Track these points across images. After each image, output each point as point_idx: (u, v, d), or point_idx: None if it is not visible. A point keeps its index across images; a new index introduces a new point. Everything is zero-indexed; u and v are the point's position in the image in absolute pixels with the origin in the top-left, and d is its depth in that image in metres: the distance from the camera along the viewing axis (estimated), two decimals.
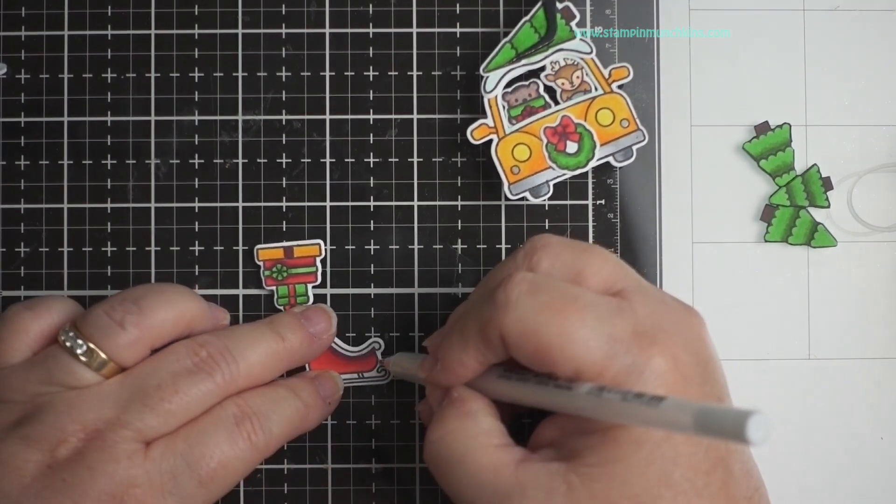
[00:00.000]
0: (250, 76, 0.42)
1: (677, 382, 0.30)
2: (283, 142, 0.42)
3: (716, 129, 0.42)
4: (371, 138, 0.42)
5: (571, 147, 0.40)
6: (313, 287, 0.41)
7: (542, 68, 0.41)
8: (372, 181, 0.42)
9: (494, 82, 0.41)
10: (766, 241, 0.42)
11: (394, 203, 0.42)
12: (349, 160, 0.42)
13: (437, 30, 0.42)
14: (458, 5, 0.42)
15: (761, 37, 0.42)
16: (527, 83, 0.41)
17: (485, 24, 0.42)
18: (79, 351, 0.35)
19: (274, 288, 0.41)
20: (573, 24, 0.41)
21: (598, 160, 0.40)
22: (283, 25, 0.42)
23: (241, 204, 0.42)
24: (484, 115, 0.41)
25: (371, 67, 0.42)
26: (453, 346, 0.34)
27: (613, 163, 0.41)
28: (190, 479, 0.34)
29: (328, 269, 0.41)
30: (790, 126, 0.42)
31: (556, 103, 0.41)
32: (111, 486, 0.33)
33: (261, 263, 0.41)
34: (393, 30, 0.42)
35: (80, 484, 0.33)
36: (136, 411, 0.34)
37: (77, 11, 0.42)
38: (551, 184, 0.41)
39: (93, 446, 0.34)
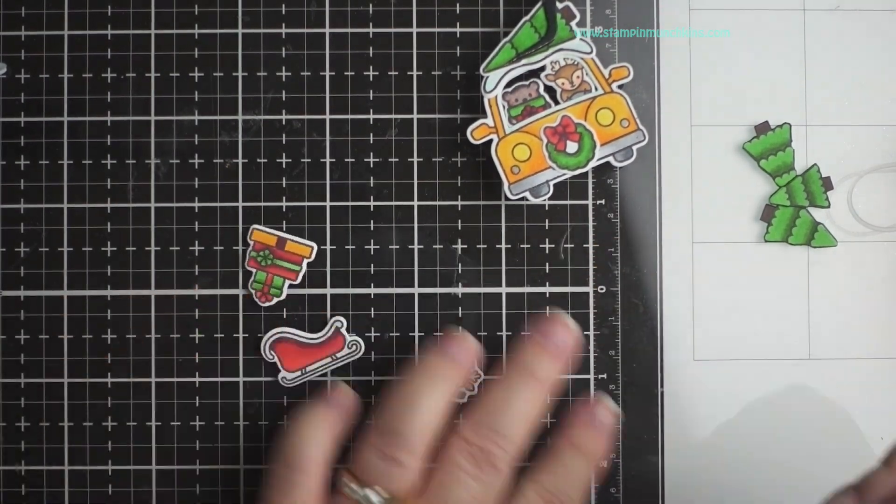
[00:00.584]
0: (250, 76, 0.42)
1: None
2: (283, 142, 0.42)
3: (716, 129, 0.42)
4: (371, 138, 0.42)
5: (572, 147, 0.40)
6: (290, 286, 0.41)
7: (543, 68, 0.41)
8: (372, 181, 0.42)
9: (494, 82, 0.41)
10: (766, 241, 0.42)
11: (394, 203, 0.42)
12: (349, 160, 0.42)
13: (437, 30, 0.42)
14: (458, 5, 0.42)
15: (761, 37, 0.42)
16: (527, 83, 0.41)
17: (485, 24, 0.42)
18: (354, 494, 0.36)
19: (253, 270, 0.41)
20: (573, 23, 0.41)
21: (598, 160, 0.40)
22: (283, 25, 0.42)
23: (241, 204, 0.42)
24: (484, 114, 0.41)
25: (371, 67, 0.42)
26: None
27: (614, 162, 0.41)
28: None
29: (328, 269, 0.41)
30: (790, 126, 0.42)
31: (557, 103, 0.41)
32: None
33: (251, 243, 0.41)
34: (393, 29, 0.42)
35: None
36: None
37: (77, 11, 0.42)
38: (551, 184, 0.41)
39: None
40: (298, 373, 0.41)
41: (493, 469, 0.36)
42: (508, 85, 0.41)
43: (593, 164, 0.40)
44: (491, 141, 0.41)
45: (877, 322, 0.42)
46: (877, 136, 0.42)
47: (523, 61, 0.41)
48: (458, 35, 0.42)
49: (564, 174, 0.40)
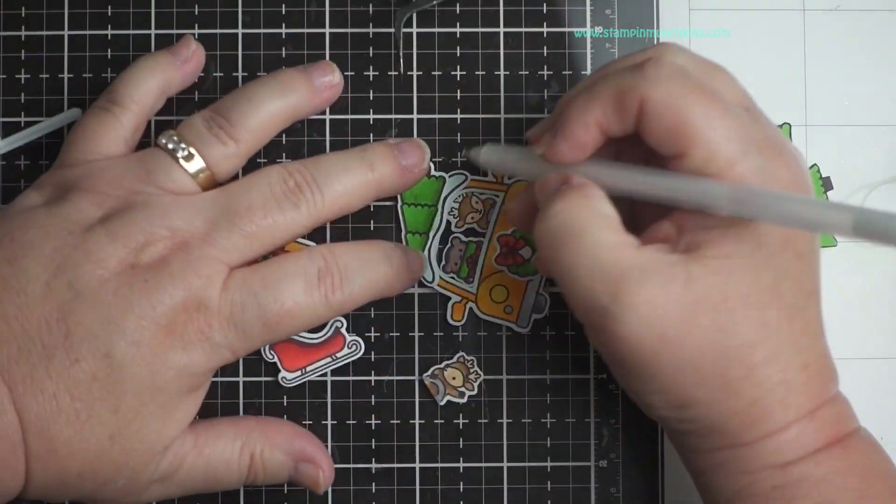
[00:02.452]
0: (250, 76, 0.42)
1: None
2: (283, 142, 0.42)
3: None
4: (371, 138, 0.42)
5: (526, 252, 0.41)
6: None
7: (449, 224, 0.41)
8: None
9: (430, 274, 0.41)
10: None
11: (394, 203, 0.42)
12: None
13: (437, 30, 0.42)
14: (458, 5, 0.42)
15: (761, 37, 0.42)
16: (450, 244, 0.41)
17: (485, 24, 0.42)
18: (180, 154, 0.36)
19: None
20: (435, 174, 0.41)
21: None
22: (283, 25, 0.42)
23: None
24: (451, 296, 0.41)
25: (371, 67, 0.42)
26: (578, 107, 0.33)
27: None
28: (256, 317, 0.35)
29: None
30: (790, 126, 0.42)
31: (481, 235, 0.41)
32: (188, 298, 0.34)
33: None
34: (393, 30, 0.42)
35: (161, 288, 0.33)
36: (224, 230, 0.35)
37: (77, 11, 0.42)
38: (545, 294, 0.41)
39: (178, 256, 0.34)
40: (298, 373, 0.41)
41: (294, 206, 0.36)
42: (439, 260, 0.41)
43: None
44: (471, 309, 0.41)
45: (877, 322, 0.42)
46: (877, 136, 0.42)
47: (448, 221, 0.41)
48: (458, 35, 0.42)
49: (541, 278, 0.41)
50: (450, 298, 0.41)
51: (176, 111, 0.41)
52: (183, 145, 0.36)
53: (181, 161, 0.36)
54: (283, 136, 0.42)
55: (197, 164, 0.36)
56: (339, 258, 0.37)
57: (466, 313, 0.41)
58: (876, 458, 0.33)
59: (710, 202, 0.31)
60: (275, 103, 0.38)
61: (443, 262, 0.41)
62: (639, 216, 0.35)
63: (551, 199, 0.33)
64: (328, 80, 0.40)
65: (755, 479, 0.32)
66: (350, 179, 0.37)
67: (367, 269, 0.37)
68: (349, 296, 0.37)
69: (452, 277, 0.41)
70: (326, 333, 0.41)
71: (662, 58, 0.32)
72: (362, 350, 0.41)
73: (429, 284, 0.41)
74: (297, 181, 0.36)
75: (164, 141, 0.36)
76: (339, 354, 0.41)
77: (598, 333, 0.32)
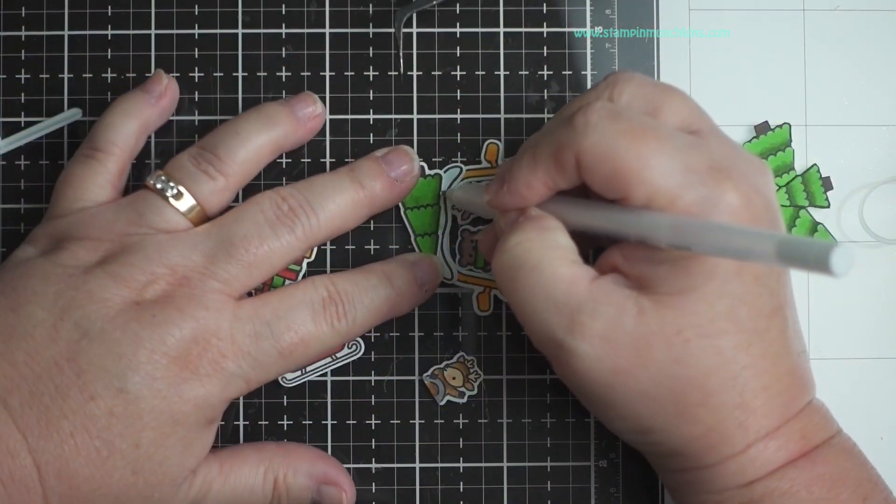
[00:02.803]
0: (250, 76, 0.42)
1: (747, 221, 0.31)
2: None
3: None
4: (371, 138, 0.42)
5: None
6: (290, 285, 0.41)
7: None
8: None
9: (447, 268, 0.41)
10: None
11: (396, 209, 0.41)
12: (349, 160, 0.42)
13: (437, 30, 0.42)
14: (458, 5, 0.42)
15: (761, 37, 0.42)
16: (461, 237, 0.41)
17: (485, 24, 0.42)
18: (169, 193, 0.36)
19: None
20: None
21: None
22: (283, 25, 0.42)
23: None
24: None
25: (371, 67, 0.42)
26: (522, 168, 0.33)
27: None
28: (271, 346, 0.35)
29: (328, 269, 0.41)
30: (790, 126, 0.42)
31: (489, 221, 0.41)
32: (197, 330, 0.34)
33: None
34: (393, 30, 0.42)
35: (170, 322, 0.34)
36: (222, 261, 0.35)
37: (77, 11, 0.42)
38: None
39: (181, 291, 0.34)
40: (298, 373, 0.41)
41: (289, 230, 0.36)
42: (454, 256, 0.41)
43: None
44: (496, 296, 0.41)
45: (877, 322, 0.42)
46: (877, 136, 0.42)
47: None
48: (458, 35, 0.42)
49: None
50: (473, 290, 0.41)
51: (176, 111, 0.41)
52: (172, 184, 0.36)
53: (171, 200, 0.36)
54: None
55: (187, 201, 0.36)
56: (340, 286, 0.37)
57: (492, 301, 0.41)
58: (846, 465, 0.33)
59: (651, 235, 0.30)
60: (261, 137, 0.38)
61: (458, 257, 0.41)
62: (601, 241, 0.35)
63: (509, 232, 0.33)
64: (311, 112, 0.40)
65: (723, 498, 0.32)
66: (343, 198, 0.38)
67: (368, 295, 0.38)
68: (353, 323, 0.37)
69: (470, 269, 0.41)
70: None
71: (592, 104, 0.32)
72: (362, 350, 0.41)
73: (449, 282, 0.41)
74: (291, 205, 0.37)
75: (152, 182, 0.37)
76: (339, 354, 0.41)
77: (555, 364, 0.33)
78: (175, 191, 0.36)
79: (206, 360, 0.34)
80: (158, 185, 0.36)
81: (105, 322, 0.33)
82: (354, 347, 0.41)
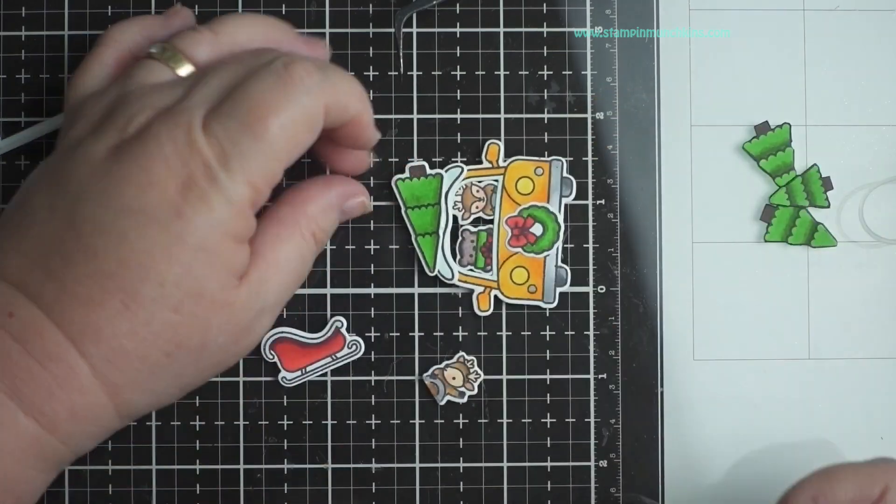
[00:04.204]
0: None
1: None
2: None
3: (716, 129, 0.42)
4: None
5: (537, 229, 0.41)
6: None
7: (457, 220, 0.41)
8: (372, 181, 0.42)
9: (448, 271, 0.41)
10: (766, 241, 0.42)
11: (394, 203, 0.42)
12: None
13: (437, 30, 0.42)
14: (458, 5, 0.42)
15: (761, 37, 0.42)
16: (462, 237, 0.41)
17: (484, 24, 0.42)
18: (154, 49, 0.36)
19: None
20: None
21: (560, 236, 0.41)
22: None
23: None
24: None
25: (372, 67, 0.42)
26: None
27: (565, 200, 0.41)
28: (243, 133, 0.33)
29: (328, 269, 0.41)
30: (790, 126, 0.42)
31: (489, 222, 0.41)
32: (176, 153, 0.32)
33: None
34: (393, 30, 0.42)
35: (146, 152, 0.32)
36: (202, 85, 0.34)
37: (77, 11, 0.42)
38: (564, 266, 0.41)
39: (160, 119, 0.33)
40: (298, 373, 0.41)
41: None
42: (454, 255, 0.41)
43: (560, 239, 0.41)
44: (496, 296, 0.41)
45: (877, 322, 0.42)
46: (877, 136, 0.42)
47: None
48: (458, 35, 0.42)
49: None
50: (473, 290, 0.41)
51: None
52: (164, 47, 0.36)
53: (157, 56, 0.36)
54: None
55: (174, 54, 0.36)
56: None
57: (492, 301, 0.41)
58: None
59: None
60: (257, 23, 0.37)
61: (458, 257, 0.41)
62: None
63: None
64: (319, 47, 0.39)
65: None
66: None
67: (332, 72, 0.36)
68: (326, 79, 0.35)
69: (470, 269, 0.41)
70: (326, 333, 0.41)
71: None
72: (362, 350, 0.41)
73: (449, 282, 0.41)
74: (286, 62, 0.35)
75: (149, 50, 0.36)
76: (339, 354, 0.41)
77: None
78: (166, 52, 0.36)
79: (198, 177, 0.32)
80: (152, 49, 0.36)
81: (89, 177, 0.32)
82: (354, 347, 0.41)
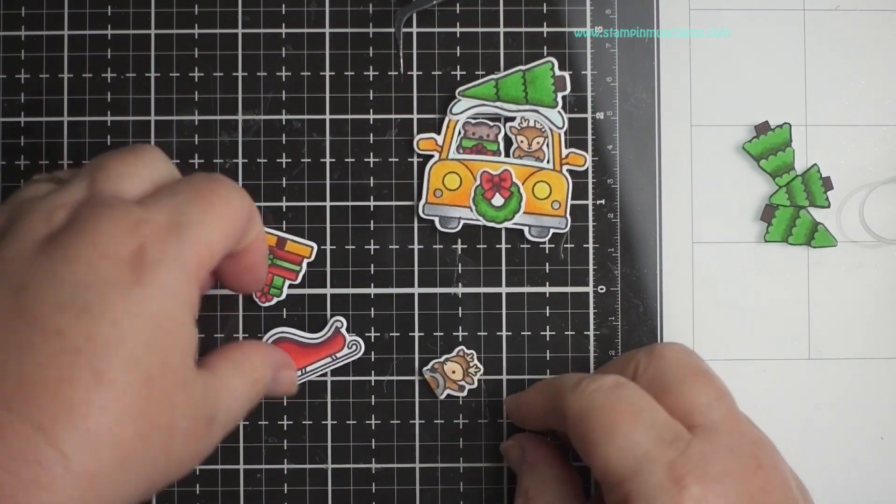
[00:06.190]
0: (250, 76, 0.42)
1: None
2: (283, 142, 0.42)
3: (716, 129, 0.42)
4: (371, 138, 0.42)
5: (498, 200, 0.41)
6: (290, 285, 0.41)
7: (513, 118, 0.41)
8: (372, 181, 0.42)
9: (462, 108, 0.41)
10: (766, 241, 0.42)
11: (394, 203, 0.42)
12: (349, 160, 0.42)
13: (437, 30, 0.42)
14: (458, 5, 0.42)
15: (761, 37, 0.42)
16: (491, 124, 0.41)
17: (484, 24, 0.42)
18: (37, 176, 0.34)
19: None
20: (560, 94, 0.41)
21: (513, 224, 0.41)
22: (283, 25, 0.42)
23: None
24: (438, 131, 0.41)
25: (371, 67, 0.42)
26: (528, 399, 0.38)
27: (527, 234, 0.41)
28: (188, 203, 0.32)
29: (328, 269, 0.41)
30: (790, 126, 0.42)
31: (507, 155, 0.41)
32: (121, 226, 0.31)
33: None
34: (393, 30, 0.42)
35: (89, 231, 0.31)
36: (120, 186, 0.32)
37: (77, 11, 0.42)
38: (462, 222, 0.41)
39: (87, 205, 0.32)
40: (298, 373, 0.41)
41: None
42: (474, 116, 0.41)
43: (507, 225, 0.41)
44: (430, 157, 0.41)
45: (877, 322, 0.42)
46: (877, 136, 0.42)
47: (499, 104, 0.41)
48: (458, 35, 0.42)
49: (478, 220, 0.41)
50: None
51: (176, 112, 0.41)
52: (46, 177, 0.35)
53: (41, 179, 0.34)
54: (283, 136, 0.42)
55: (56, 178, 0.35)
56: None
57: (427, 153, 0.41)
58: None
59: None
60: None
61: (471, 119, 0.41)
62: None
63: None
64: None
65: None
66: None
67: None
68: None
69: (460, 133, 0.41)
70: (326, 334, 0.41)
71: (605, 377, 0.34)
72: (362, 350, 0.41)
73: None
74: None
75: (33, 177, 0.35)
76: (339, 354, 0.41)
77: None
78: (47, 176, 0.35)
79: (149, 241, 0.31)
80: (36, 177, 0.34)
81: (27, 268, 0.30)
82: (354, 347, 0.41)
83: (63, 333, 0.29)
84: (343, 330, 0.41)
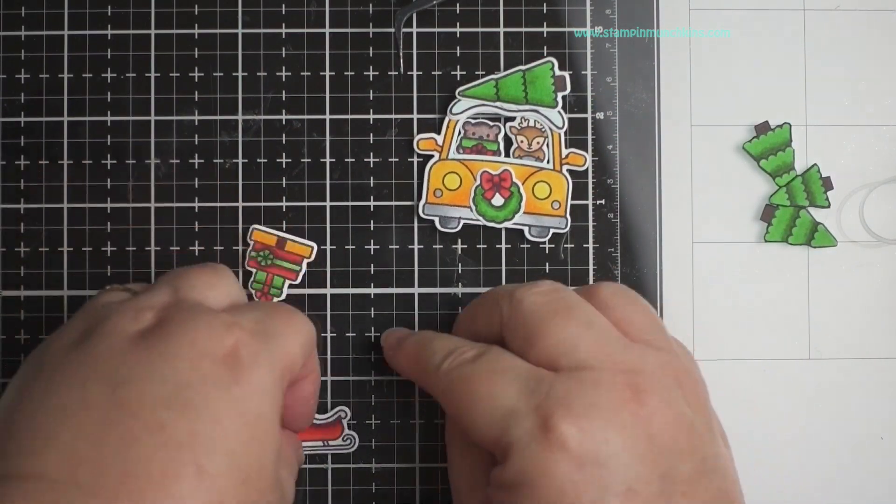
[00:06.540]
0: (250, 76, 0.42)
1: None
2: (283, 142, 0.42)
3: (716, 129, 0.42)
4: (371, 138, 0.42)
5: (498, 200, 0.41)
6: (290, 286, 0.41)
7: (513, 118, 0.41)
8: (372, 181, 0.42)
9: (462, 108, 0.41)
10: (766, 241, 0.42)
11: (394, 203, 0.42)
12: (349, 160, 0.42)
13: (437, 30, 0.42)
14: (458, 5, 0.42)
15: (761, 37, 0.42)
16: (491, 124, 0.41)
17: (484, 24, 0.42)
18: (108, 287, 0.36)
19: (254, 270, 0.41)
20: (560, 94, 0.41)
21: (513, 224, 0.41)
22: (283, 25, 0.42)
23: (240, 204, 0.42)
24: (438, 131, 0.41)
25: (371, 67, 0.42)
26: (400, 360, 0.38)
27: (527, 234, 0.41)
28: (270, 317, 0.34)
29: (328, 269, 0.41)
30: (790, 126, 0.42)
31: (507, 155, 0.41)
32: (215, 329, 0.32)
33: (251, 243, 0.41)
34: (393, 30, 0.42)
35: (185, 330, 0.32)
36: (204, 297, 0.35)
37: (77, 11, 0.42)
38: (462, 222, 0.41)
39: (175, 307, 0.33)
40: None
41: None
42: (474, 116, 0.41)
43: (507, 225, 0.41)
44: (430, 157, 0.41)
45: (877, 322, 0.42)
46: (877, 136, 0.42)
47: (499, 104, 0.41)
48: (458, 35, 0.42)
49: (478, 220, 0.41)
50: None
51: (176, 112, 0.41)
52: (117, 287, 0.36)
53: (113, 288, 0.36)
54: (283, 136, 0.42)
55: (129, 289, 0.36)
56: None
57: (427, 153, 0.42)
58: None
59: None
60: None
61: (471, 119, 0.41)
62: None
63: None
64: None
65: None
66: None
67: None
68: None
69: (460, 133, 0.41)
70: (330, 418, 0.41)
71: (544, 283, 0.35)
72: (356, 445, 0.41)
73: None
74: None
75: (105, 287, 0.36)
76: (332, 442, 0.41)
77: None
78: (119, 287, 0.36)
79: (242, 344, 0.32)
80: (107, 287, 0.36)
81: (123, 363, 0.31)
82: (349, 441, 0.41)
83: (166, 428, 0.29)
84: (345, 421, 0.41)
